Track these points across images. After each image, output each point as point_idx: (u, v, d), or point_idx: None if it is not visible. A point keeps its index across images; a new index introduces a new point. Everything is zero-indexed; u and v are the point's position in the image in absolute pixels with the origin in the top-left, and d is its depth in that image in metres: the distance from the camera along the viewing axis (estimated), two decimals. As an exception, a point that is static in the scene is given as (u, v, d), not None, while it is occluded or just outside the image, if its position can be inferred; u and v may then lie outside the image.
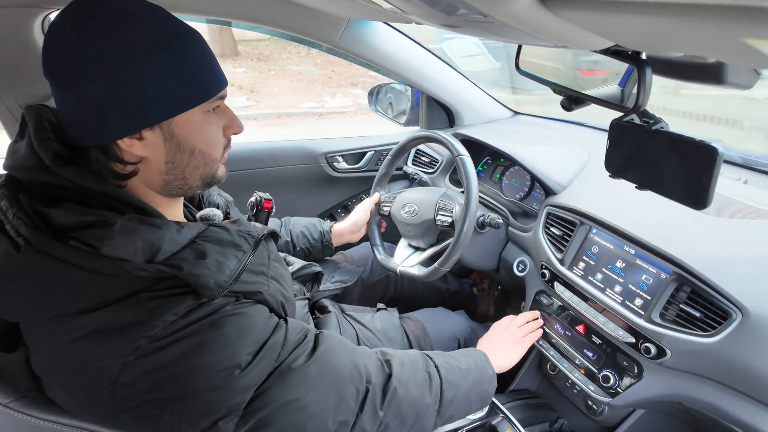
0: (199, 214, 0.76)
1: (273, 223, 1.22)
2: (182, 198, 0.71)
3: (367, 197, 1.38)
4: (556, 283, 1.07)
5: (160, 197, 0.65)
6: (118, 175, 0.59)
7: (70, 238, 0.52)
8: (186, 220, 0.73)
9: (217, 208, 0.83)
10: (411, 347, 1.13)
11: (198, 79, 0.58)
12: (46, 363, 0.58)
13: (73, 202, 0.55)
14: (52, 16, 1.12)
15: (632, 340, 0.90)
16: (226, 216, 0.84)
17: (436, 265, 1.13)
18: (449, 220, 1.17)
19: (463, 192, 1.06)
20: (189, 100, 0.58)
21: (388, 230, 1.39)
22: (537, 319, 1.12)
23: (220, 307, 0.58)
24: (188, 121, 0.59)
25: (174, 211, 0.69)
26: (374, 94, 1.79)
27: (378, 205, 1.34)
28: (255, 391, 0.58)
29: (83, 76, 0.52)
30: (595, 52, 0.64)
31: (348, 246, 1.54)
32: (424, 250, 1.27)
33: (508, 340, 1.05)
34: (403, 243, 1.33)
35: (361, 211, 1.31)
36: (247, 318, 0.60)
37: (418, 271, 1.21)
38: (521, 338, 1.07)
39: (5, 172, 0.58)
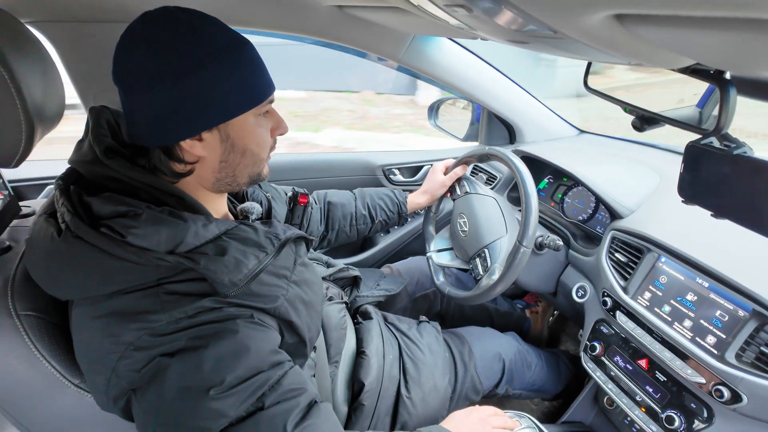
0: (239, 207, 0.80)
1: (344, 196, 1.24)
2: (226, 193, 0.75)
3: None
4: (618, 313, 1.01)
5: (207, 192, 0.69)
6: (176, 174, 0.64)
7: (103, 226, 0.56)
8: (230, 212, 0.77)
9: (260, 204, 0.86)
10: (454, 362, 1.11)
11: (252, 84, 0.62)
12: (75, 343, 0.62)
13: (123, 193, 0.59)
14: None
15: (702, 380, 0.83)
16: (268, 213, 0.87)
17: (447, 290, 1.14)
18: (478, 276, 1.11)
19: (521, 210, 1.03)
20: (245, 104, 0.62)
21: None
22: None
23: (230, 318, 0.59)
24: (243, 123, 0.64)
25: (218, 204, 0.73)
26: (434, 108, 1.79)
27: (456, 180, 1.29)
28: (222, 428, 0.55)
29: (151, 84, 0.57)
30: (673, 70, 0.60)
31: (395, 259, 1.54)
32: (456, 257, 1.25)
33: None
34: (447, 232, 1.31)
35: (440, 184, 1.27)
36: (252, 340, 0.59)
37: (439, 276, 1.21)
38: None
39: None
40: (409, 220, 1.30)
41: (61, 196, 0.59)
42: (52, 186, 1.34)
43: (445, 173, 1.29)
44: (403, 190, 1.69)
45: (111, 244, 0.55)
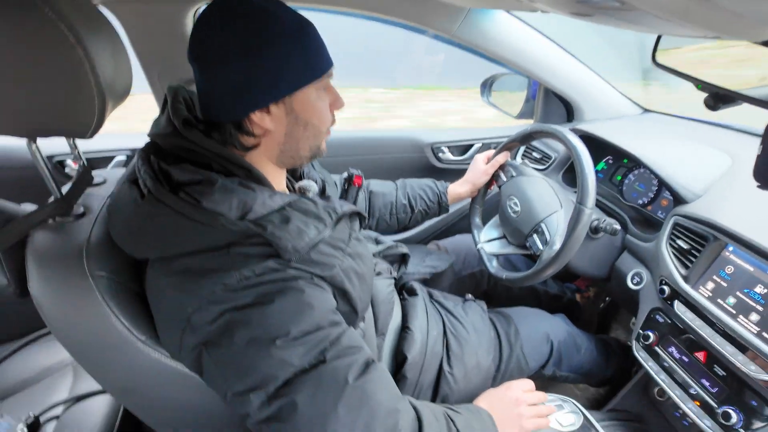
0: (298, 184, 0.85)
1: (386, 186, 1.26)
2: (285, 170, 0.80)
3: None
4: (676, 302, 0.96)
5: (271, 166, 0.74)
6: (245, 147, 0.70)
7: (181, 192, 0.62)
8: (287, 189, 0.82)
9: (315, 183, 0.89)
10: (499, 342, 1.11)
11: (314, 59, 0.68)
12: (150, 299, 0.68)
13: (196, 163, 0.66)
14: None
15: (767, 378, 0.78)
16: (323, 191, 0.91)
17: (504, 275, 1.11)
18: (538, 251, 1.07)
19: (576, 192, 0.99)
20: (308, 76, 0.68)
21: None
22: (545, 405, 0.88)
23: (293, 278, 0.63)
24: (306, 97, 0.69)
25: (279, 179, 0.78)
26: (487, 84, 1.74)
27: (500, 167, 1.27)
28: (288, 377, 0.58)
29: (227, 59, 0.63)
30: (756, 43, 0.55)
31: (443, 236, 1.53)
32: (510, 244, 1.22)
33: (512, 416, 0.83)
34: (497, 221, 1.29)
35: (482, 173, 1.26)
36: (312, 298, 0.63)
37: (492, 263, 1.17)
38: (525, 421, 0.83)
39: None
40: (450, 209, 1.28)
41: (143, 164, 0.66)
42: (120, 158, 1.43)
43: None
44: (452, 169, 1.68)
45: (188, 207, 0.61)
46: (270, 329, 0.59)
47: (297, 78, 0.67)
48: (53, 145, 1.42)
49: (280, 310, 0.60)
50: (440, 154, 1.68)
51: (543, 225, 1.08)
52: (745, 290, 0.85)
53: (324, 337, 0.61)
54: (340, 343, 0.63)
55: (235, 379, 0.60)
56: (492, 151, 1.29)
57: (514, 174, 1.22)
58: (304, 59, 0.67)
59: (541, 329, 1.18)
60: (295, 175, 0.90)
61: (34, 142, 0.68)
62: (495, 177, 1.28)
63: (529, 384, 0.89)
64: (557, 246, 1.01)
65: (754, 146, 0.65)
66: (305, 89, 0.68)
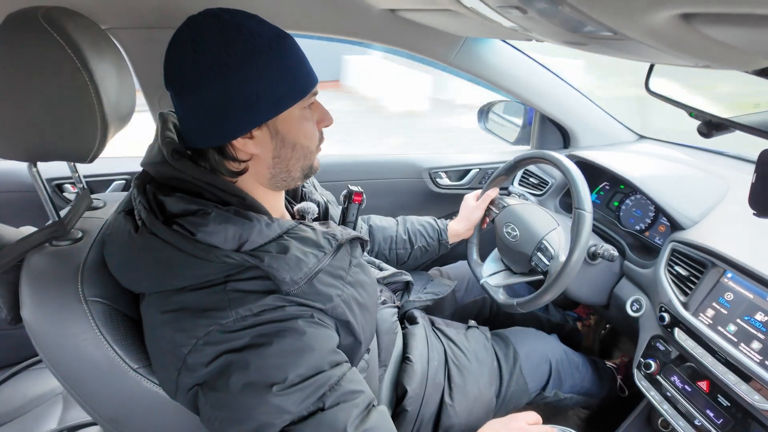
0: (296, 207, 0.82)
1: (387, 221, 1.25)
2: (284, 192, 0.77)
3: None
4: (676, 330, 0.95)
5: (265, 190, 0.71)
6: (232, 173, 0.66)
7: (175, 223, 0.59)
8: (287, 212, 0.80)
9: (318, 206, 0.87)
10: (500, 369, 1.09)
11: (296, 77, 0.63)
12: (145, 333, 0.66)
13: (188, 192, 0.63)
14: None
15: (772, 408, 0.76)
16: (325, 214, 0.89)
17: (514, 302, 1.08)
18: (545, 267, 1.07)
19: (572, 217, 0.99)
20: (290, 98, 0.63)
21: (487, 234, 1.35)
22: None
23: (292, 317, 0.60)
24: (290, 117, 0.65)
25: (276, 203, 0.75)
26: (484, 111, 1.76)
27: (491, 202, 1.29)
28: (284, 426, 0.56)
29: (201, 83, 0.59)
30: (747, 72, 0.56)
31: (444, 262, 1.52)
32: (514, 273, 1.21)
33: None
34: (496, 254, 1.28)
35: (475, 208, 1.27)
36: (313, 340, 0.60)
37: (499, 295, 1.16)
38: None
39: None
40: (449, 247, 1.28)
41: (139, 194, 0.64)
42: (119, 182, 1.43)
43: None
44: (450, 194, 1.69)
45: (182, 240, 0.59)
46: (267, 374, 0.57)
47: (277, 99, 0.62)
48: (52, 168, 1.42)
49: (278, 354, 0.58)
50: (438, 179, 1.69)
51: (545, 242, 1.09)
52: (746, 318, 0.84)
53: (324, 381, 0.59)
54: (340, 387, 0.60)
55: (230, 424, 0.58)
56: (479, 192, 1.30)
57: (505, 205, 1.24)
58: (285, 77, 0.62)
59: (539, 349, 1.17)
60: (296, 197, 0.88)
61: (35, 165, 0.68)
62: (487, 212, 1.29)
63: (535, 417, 0.85)
64: (563, 257, 1.01)
65: (749, 173, 0.65)
66: (289, 109, 0.64)
